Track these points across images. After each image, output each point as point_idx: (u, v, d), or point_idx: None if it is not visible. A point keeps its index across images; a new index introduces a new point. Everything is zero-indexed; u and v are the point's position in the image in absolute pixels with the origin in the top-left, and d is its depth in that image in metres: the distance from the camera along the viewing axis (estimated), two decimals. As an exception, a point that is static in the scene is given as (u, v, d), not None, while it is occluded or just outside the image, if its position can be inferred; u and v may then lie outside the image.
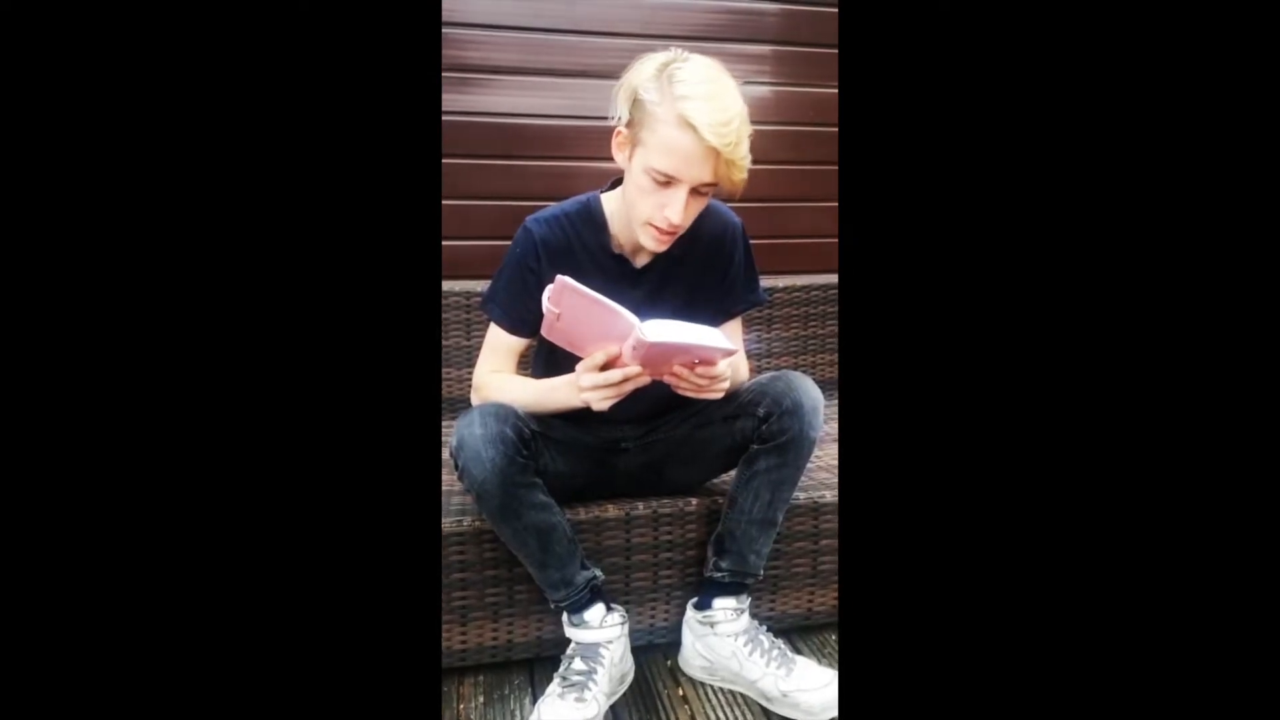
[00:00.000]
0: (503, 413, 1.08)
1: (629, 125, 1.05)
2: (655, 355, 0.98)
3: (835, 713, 1.15)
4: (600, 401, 1.03)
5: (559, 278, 0.94)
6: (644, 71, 1.02)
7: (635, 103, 1.03)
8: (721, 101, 0.99)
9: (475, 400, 1.21)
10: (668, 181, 1.02)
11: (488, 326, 1.23)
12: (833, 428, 1.69)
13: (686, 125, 0.97)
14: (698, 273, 1.21)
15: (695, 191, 1.03)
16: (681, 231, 1.08)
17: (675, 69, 1.01)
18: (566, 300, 0.96)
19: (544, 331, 1.02)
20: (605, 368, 1.01)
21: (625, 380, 1.01)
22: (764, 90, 1.92)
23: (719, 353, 1.01)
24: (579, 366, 1.03)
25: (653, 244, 1.09)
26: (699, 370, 1.04)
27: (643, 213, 1.06)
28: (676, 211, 1.03)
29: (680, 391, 1.07)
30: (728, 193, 1.06)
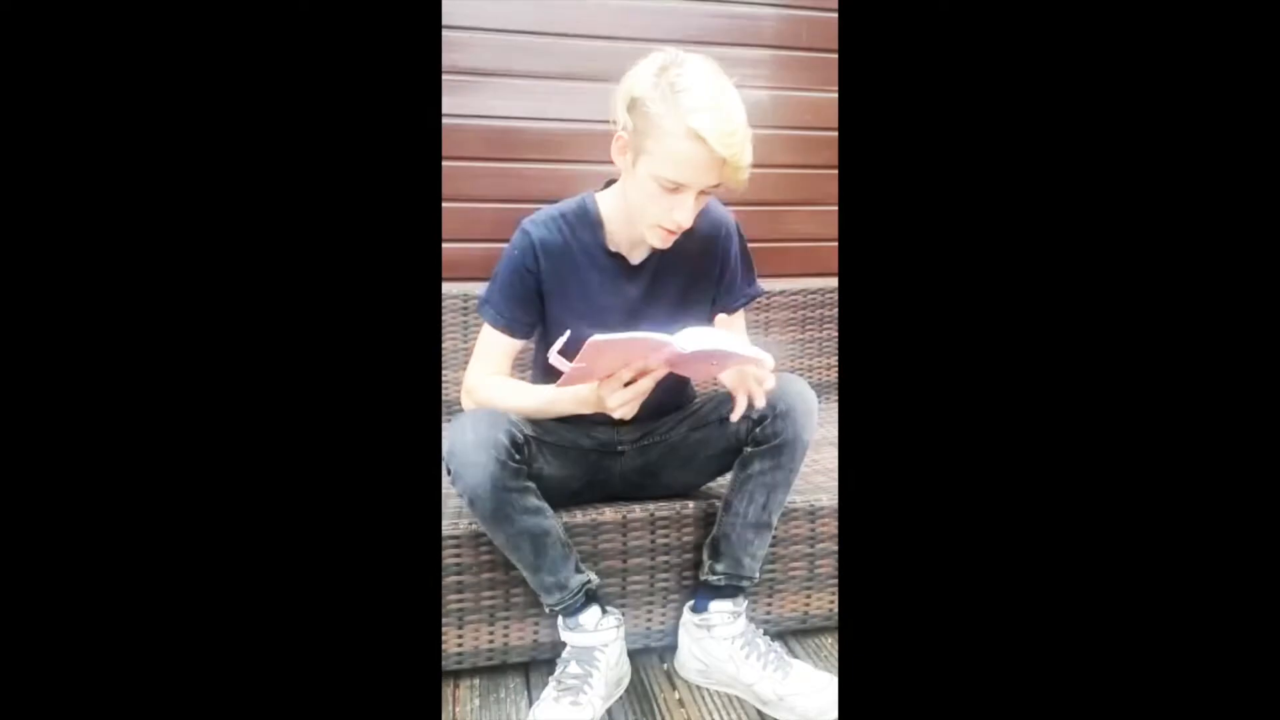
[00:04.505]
0: (494, 418, 1.08)
1: (632, 131, 1.05)
2: (686, 362, 1.00)
3: (831, 716, 1.15)
4: (628, 411, 1.03)
5: (590, 340, 0.91)
6: (643, 78, 1.03)
7: (637, 110, 1.03)
8: (727, 111, 1.00)
9: (468, 404, 1.21)
10: (676, 188, 1.04)
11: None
12: (829, 431, 1.69)
13: (696, 138, 0.99)
14: (693, 268, 1.22)
15: (701, 192, 1.06)
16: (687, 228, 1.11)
17: (676, 76, 1.01)
18: (604, 356, 0.95)
19: (561, 383, 1.01)
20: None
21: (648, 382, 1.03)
22: (762, 95, 1.93)
23: (749, 360, 1.01)
24: (602, 389, 1.03)
25: (659, 243, 1.12)
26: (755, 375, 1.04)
27: (651, 216, 1.08)
28: (686, 215, 1.06)
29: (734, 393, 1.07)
30: (729, 190, 1.08)
